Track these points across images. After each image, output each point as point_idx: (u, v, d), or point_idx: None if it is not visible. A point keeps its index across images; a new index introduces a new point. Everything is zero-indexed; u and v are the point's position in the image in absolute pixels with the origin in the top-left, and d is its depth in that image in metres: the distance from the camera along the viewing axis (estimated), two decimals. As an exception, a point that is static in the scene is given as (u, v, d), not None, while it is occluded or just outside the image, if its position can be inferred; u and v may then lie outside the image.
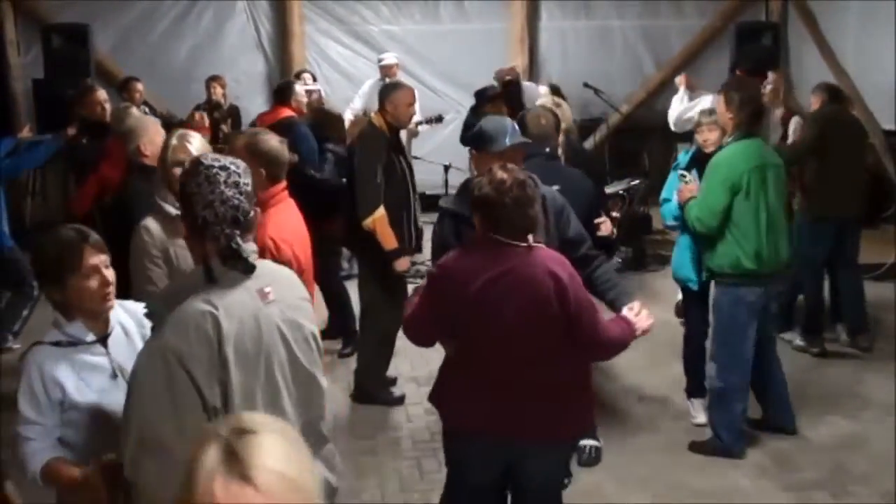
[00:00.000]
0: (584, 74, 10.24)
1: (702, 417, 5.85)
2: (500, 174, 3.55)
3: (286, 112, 7.37)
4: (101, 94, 7.25)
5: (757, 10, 11.82)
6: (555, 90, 8.52)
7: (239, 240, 2.67)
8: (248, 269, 2.69)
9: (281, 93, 7.76)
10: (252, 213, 2.76)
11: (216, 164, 2.71)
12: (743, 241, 5.22)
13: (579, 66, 11.29)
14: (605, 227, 5.11)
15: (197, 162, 2.75)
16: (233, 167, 2.73)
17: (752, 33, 10.76)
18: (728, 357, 5.42)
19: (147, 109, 9.48)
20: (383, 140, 6.01)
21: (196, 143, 4.15)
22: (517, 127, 4.32)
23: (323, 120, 7.48)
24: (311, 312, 2.95)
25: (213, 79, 9.68)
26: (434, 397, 3.95)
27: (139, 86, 9.26)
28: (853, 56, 10.08)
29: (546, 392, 3.62)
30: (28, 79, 10.34)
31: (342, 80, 11.19)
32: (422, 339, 3.94)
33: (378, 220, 5.92)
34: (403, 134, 6.73)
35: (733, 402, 5.48)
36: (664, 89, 11.12)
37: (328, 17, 11.30)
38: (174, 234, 3.92)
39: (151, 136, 4.86)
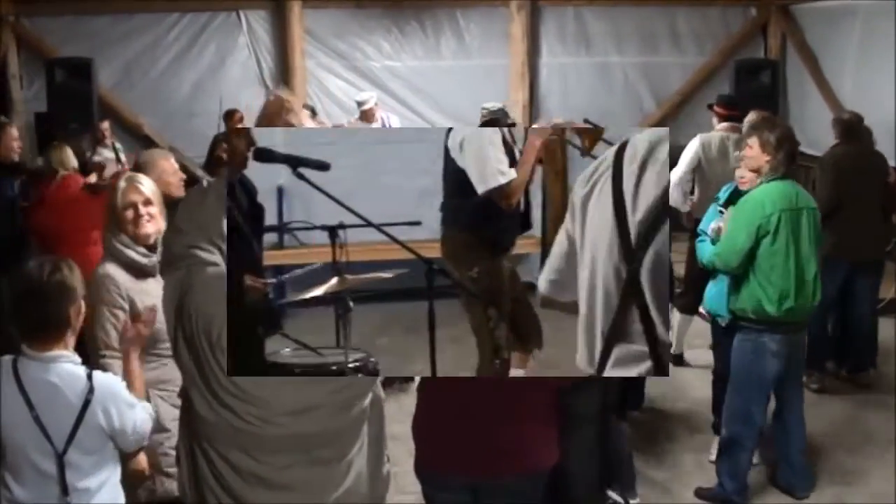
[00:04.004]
0: (584, 110, 10.25)
1: (717, 455, 5.80)
2: None
3: None
4: (13, 132, 7.09)
5: (756, 48, 11.92)
6: None
7: None
8: None
9: None
10: None
11: None
12: (767, 286, 5.00)
13: (579, 101, 11.30)
14: None
15: None
16: None
17: (751, 70, 10.85)
18: (739, 405, 5.22)
19: (117, 145, 9.46)
20: None
21: (147, 185, 4.00)
22: None
23: None
24: None
25: (232, 113, 9.52)
26: None
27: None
28: (852, 93, 10.12)
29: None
30: (31, 112, 10.34)
31: (343, 115, 11.20)
32: None
33: None
34: None
35: (738, 451, 5.24)
36: (664, 126, 11.17)
37: (330, 53, 11.31)
38: (138, 280, 3.84)
39: (160, 172, 4.59)
